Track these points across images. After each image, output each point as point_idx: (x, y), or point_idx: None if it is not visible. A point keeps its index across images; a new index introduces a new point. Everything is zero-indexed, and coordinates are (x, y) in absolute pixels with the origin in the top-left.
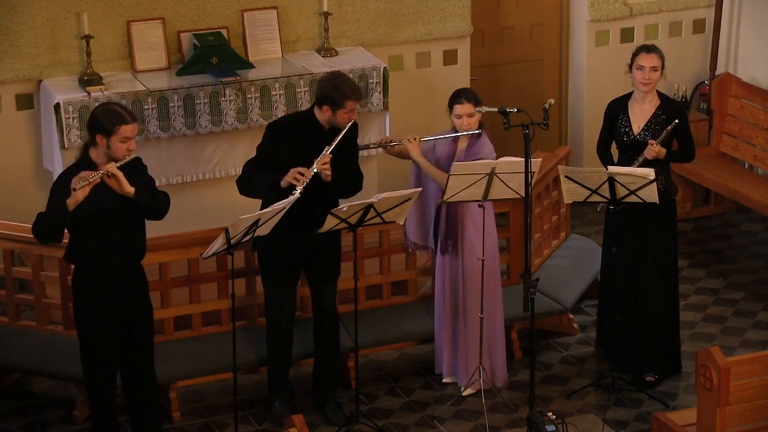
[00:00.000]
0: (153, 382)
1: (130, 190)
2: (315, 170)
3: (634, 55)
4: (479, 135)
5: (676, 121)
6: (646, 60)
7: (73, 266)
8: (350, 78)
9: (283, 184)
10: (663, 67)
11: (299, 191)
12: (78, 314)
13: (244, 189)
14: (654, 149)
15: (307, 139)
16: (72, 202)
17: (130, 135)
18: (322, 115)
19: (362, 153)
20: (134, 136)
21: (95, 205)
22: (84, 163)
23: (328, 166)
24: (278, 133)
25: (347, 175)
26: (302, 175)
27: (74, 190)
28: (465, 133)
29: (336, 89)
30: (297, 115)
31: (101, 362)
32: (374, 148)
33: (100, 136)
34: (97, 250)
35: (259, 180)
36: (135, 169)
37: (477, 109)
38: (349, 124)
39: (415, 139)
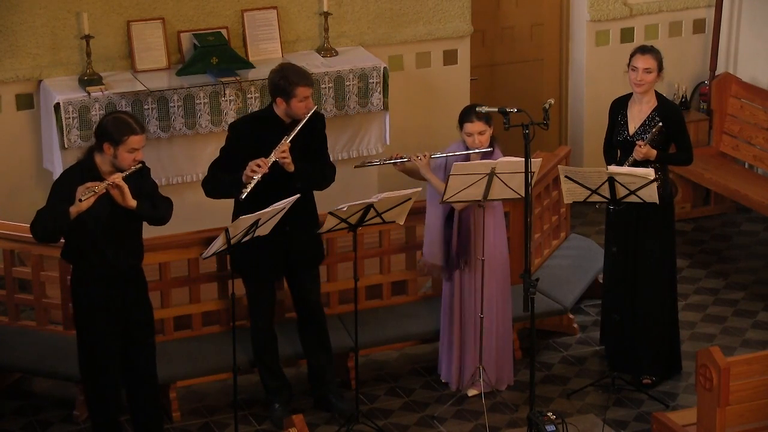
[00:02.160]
0: (154, 382)
1: (132, 203)
2: (273, 159)
3: (631, 56)
4: (491, 153)
5: (660, 124)
6: (640, 61)
7: (71, 266)
8: (298, 66)
9: (243, 178)
10: (660, 68)
11: (257, 178)
12: (76, 314)
13: (208, 190)
14: (641, 150)
15: (269, 135)
16: (75, 210)
17: (137, 146)
18: (279, 108)
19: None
20: (141, 147)
21: (90, 211)
22: (87, 164)
23: (286, 154)
24: (239, 132)
25: (316, 166)
26: (259, 166)
27: (80, 200)
28: (476, 151)
29: (284, 79)
30: (257, 113)
31: (100, 362)
32: (383, 164)
33: (108, 144)
34: (93, 252)
35: (221, 178)
36: (139, 176)
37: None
38: (309, 113)
39: (425, 156)
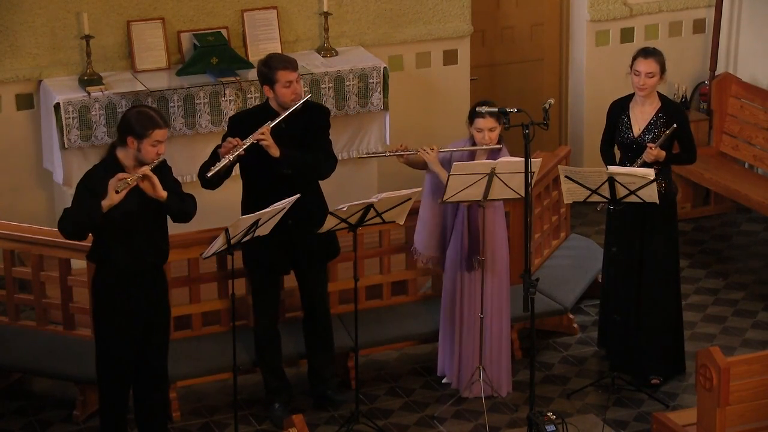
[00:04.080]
0: (165, 384)
1: (163, 194)
2: (251, 141)
3: (633, 59)
4: (499, 150)
5: (674, 126)
6: (643, 65)
7: (92, 266)
8: (282, 54)
9: (220, 154)
10: (663, 70)
11: (230, 158)
12: (96, 313)
13: (200, 177)
14: (653, 152)
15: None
16: (107, 204)
17: (161, 139)
18: (271, 99)
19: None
20: (165, 140)
21: (119, 205)
22: (111, 162)
23: (265, 136)
24: (237, 124)
25: (309, 154)
26: (235, 146)
27: (116, 191)
28: (485, 146)
29: (265, 65)
30: (255, 107)
31: (118, 362)
32: (389, 156)
33: (132, 138)
34: (118, 251)
35: (206, 164)
36: (161, 172)
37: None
38: (300, 100)
39: (432, 149)
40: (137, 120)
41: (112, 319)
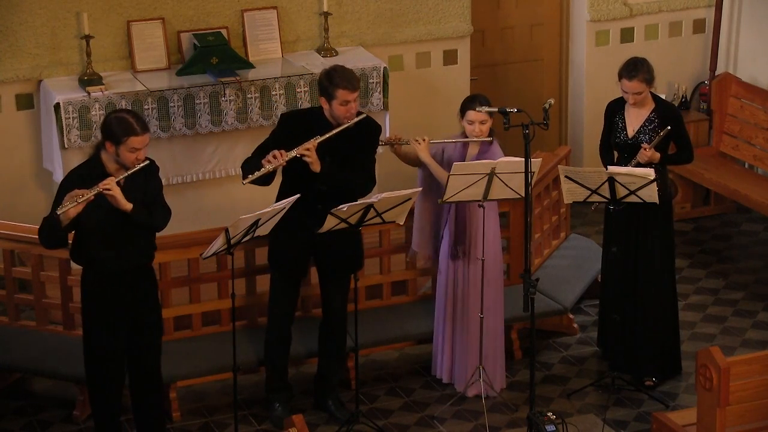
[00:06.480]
0: (159, 383)
1: (128, 206)
2: (294, 154)
3: (619, 76)
4: (490, 143)
5: (668, 128)
6: (629, 87)
7: (80, 267)
8: (348, 69)
9: (263, 162)
10: (651, 81)
11: (269, 168)
12: (84, 314)
13: (243, 170)
14: (646, 153)
15: (312, 133)
16: (64, 218)
17: (139, 146)
18: (325, 109)
19: None
20: (144, 146)
21: (100, 207)
22: (94, 163)
23: (309, 153)
24: (287, 123)
25: (350, 174)
26: (275, 157)
27: (61, 211)
28: (476, 139)
29: (327, 79)
30: (310, 109)
31: (106, 363)
32: (382, 146)
33: (110, 143)
34: (102, 252)
35: (251, 160)
36: (146, 173)
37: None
38: (352, 120)
39: (423, 140)
40: (116, 125)
41: (100, 317)
